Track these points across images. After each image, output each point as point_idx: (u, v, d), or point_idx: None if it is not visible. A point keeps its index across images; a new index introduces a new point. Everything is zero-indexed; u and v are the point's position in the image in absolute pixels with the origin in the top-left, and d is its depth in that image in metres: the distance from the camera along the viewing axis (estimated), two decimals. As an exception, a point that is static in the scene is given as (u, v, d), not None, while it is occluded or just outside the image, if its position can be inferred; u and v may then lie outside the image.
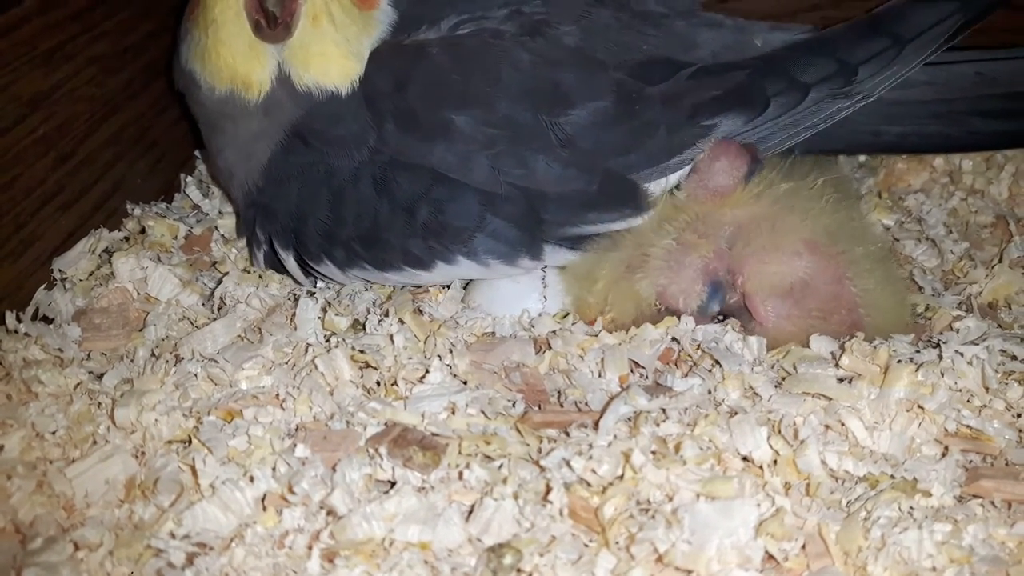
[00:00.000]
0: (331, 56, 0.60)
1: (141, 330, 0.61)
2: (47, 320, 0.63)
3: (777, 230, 0.57)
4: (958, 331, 0.59)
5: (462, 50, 0.60)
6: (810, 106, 0.60)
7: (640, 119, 0.59)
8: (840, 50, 0.61)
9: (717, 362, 0.55)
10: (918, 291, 0.66)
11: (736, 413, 0.50)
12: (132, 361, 0.58)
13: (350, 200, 0.61)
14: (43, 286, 0.65)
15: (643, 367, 0.56)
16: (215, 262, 0.70)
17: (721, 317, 0.60)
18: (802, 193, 0.59)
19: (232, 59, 0.60)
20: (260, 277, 0.67)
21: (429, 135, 0.59)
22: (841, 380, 0.52)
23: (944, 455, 0.49)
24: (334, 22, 0.60)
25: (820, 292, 0.57)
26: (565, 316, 0.62)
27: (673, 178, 0.60)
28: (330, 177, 0.61)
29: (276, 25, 0.58)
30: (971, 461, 0.49)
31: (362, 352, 0.56)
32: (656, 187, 0.60)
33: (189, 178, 0.80)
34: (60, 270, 0.66)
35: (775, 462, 0.48)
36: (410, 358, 0.56)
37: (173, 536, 0.46)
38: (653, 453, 0.47)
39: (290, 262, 0.64)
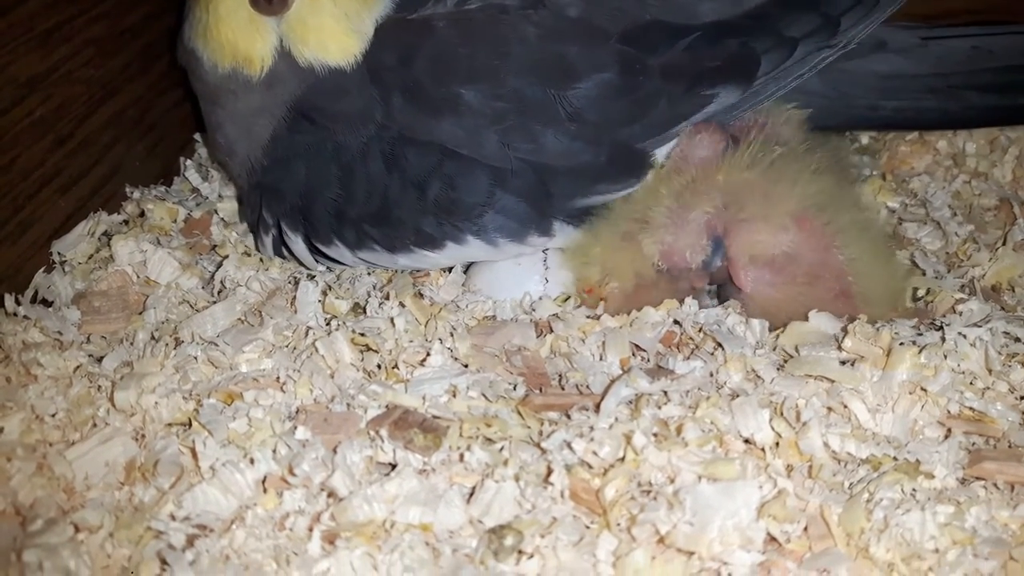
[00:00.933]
0: (330, 30, 0.59)
1: (141, 313, 0.61)
2: (46, 303, 0.63)
3: (767, 199, 0.58)
4: (961, 313, 0.59)
5: (469, 25, 0.60)
6: (798, 59, 0.61)
7: (643, 90, 0.59)
8: (823, 3, 0.62)
9: (719, 344, 0.55)
10: (921, 274, 0.65)
11: (738, 395, 0.50)
12: (132, 344, 0.58)
13: (360, 177, 0.60)
14: (42, 269, 0.65)
15: (644, 350, 0.56)
16: (215, 245, 0.69)
17: (712, 288, 0.60)
18: (793, 161, 0.60)
19: (232, 35, 0.59)
20: (260, 260, 0.67)
21: (437, 110, 0.59)
22: (844, 362, 0.52)
23: (947, 437, 0.49)
24: None
25: (807, 260, 0.58)
26: (566, 300, 0.62)
27: (671, 145, 0.61)
28: (338, 154, 0.60)
29: None
30: (974, 443, 0.49)
31: (363, 335, 0.56)
32: (657, 154, 0.60)
33: (188, 161, 0.80)
34: (59, 253, 0.66)
35: (777, 444, 0.48)
36: (411, 341, 0.56)
37: (173, 518, 0.46)
38: (655, 435, 0.47)
39: (298, 245, 0.64)
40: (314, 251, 0.64)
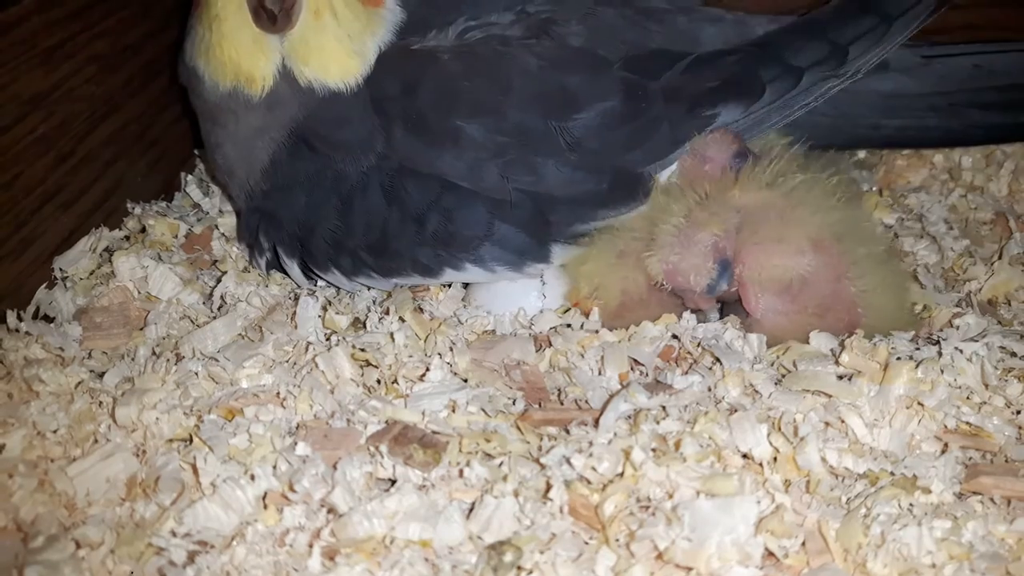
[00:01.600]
0: (331, 51, 0.59)
1: (142, 329, 0.62)
2: (48, 319, 0.63)
3: (784, 222, 0.57)
4: (958, 328, 0.59)
5: (473, 58, 0.60)
6: (804, 89, 0.61)
7: (645, 117, 0.59)
8: (831, 31, 0.61)
9: (717, 359, 0.55)
10: (919, 288, 0.66)
11: (736, 410, 0.50)
12: (133, 360, 0.58)
13: (359, 209, 0.60)
14: (44, 285, 0.65)
15: (643, 365, 0.56)
16: (216, 261, 0.70)
17: (719, 306, 0.60)
18: (815, 188, 0.59)
19: (235, 53, 0.60)
20: (260, 276, 0.67)
21: (439, 142, 0.59)
22: (841, 377, 0.52)
23: (944, 452, 0.49)
24: (336, 16, 0.59)
25: (819, 289, 0.57)
26: (567, 311, 0.62)
27: (673, 167, 0.61)
28: (338, 184, 0.61)
29: (275, 15, 0.57)
30: (971, 458, 0.49)
31: (363, 350, 0.56)
32: (658, 175, 0.60)
33: (189, 177, 0.80)
34: (61, 269, 0.66)
35: (775, 459, 0.48)
36: (410, 356, 0.57)
37: (174, 534, 0.46)
38: (653, 450, 0.48)
39: (294, 270, 0.64)
40: (309, 274, 0.64)
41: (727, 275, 0.57)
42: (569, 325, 0.60)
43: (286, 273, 0.65)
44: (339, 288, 0.66)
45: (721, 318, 0.60)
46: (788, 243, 0.57)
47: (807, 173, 0.60)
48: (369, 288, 0.65)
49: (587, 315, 0.60)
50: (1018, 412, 0.51)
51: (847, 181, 0.63)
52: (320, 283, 0.65)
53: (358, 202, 0.60)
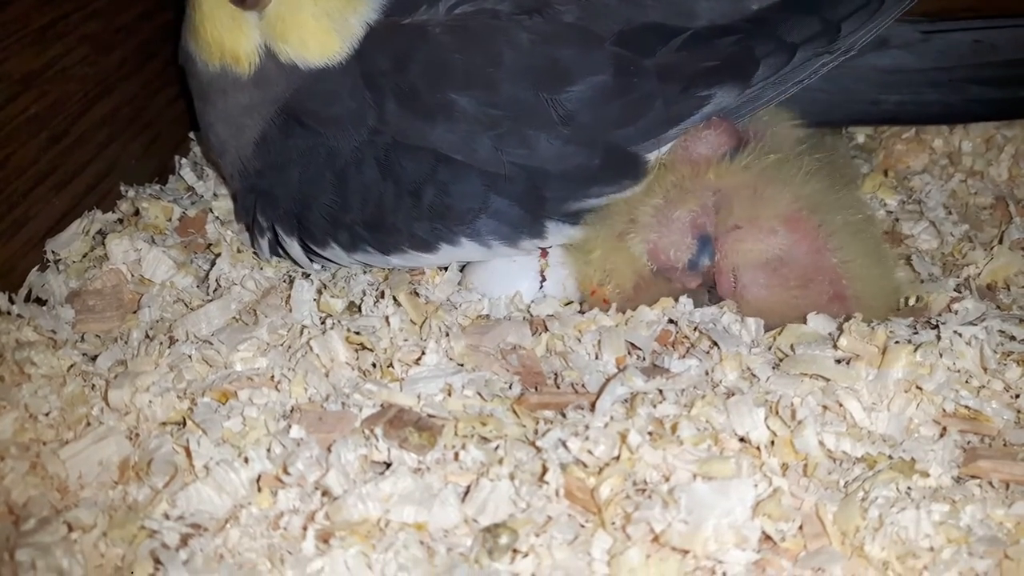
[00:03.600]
0: (309, 28, 0.59)
1: (135, 312, 0.61)
2: (40, 302, 0.63)
3: (758, 202, 0.57)
4: (957, 312, 0.59)
5: (464, 31, 0.60)
6: (797, 65, 0.61)
7: (638, 92, 0.59)
8: (824, 7, 0.61)
9: (715, 343, 0.55)
10: (916, 274, 0.65)
11: (733, 394, 0.50)
12: (126, 343, 0.58)
13: (354, 183, 0.60)
14: (36, 267, 0.65)
15: (640, 348, 0.56)
16: (210, 244, 0.69)
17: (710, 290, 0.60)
18: (784, 163, 0.59)
19: (217, 32, 0.60)
20: (255, 258, 0.66)
21: (431, 115, 0.59)
22: (839, 361, 0.52)
23: (942, 435, 0.49)
24: None
25: (799, 263, 0.57)
26: (568, 304, 0.62)
27: (668, 147, 0.60)
28: (332, 160, 0.60)
29: None
30: (969, 441, 0.49)
31: (358, 334, 0.56)
32: (653, 156, 0.60)
33: (184, 160, 0.80)
34: (53, 251, 0.66)
35: (772, 443, 0.48)
36: (406, 340, 0.56)
37: (167, 517, 0.46)
38: (650, 434, 0.47)
39: (294, 248, 0.64)
40: (309, 252, 0.64)
41: (708, 250, 0.58)
42: (570, 303, 0.60)
43: (287, 254, 0.65)
44: (337, 269, 0.65)
45: (714, 302, 0.60)
46: (759, 223, 0.57)
47: (777, 152, 0.60)
48: (367, 270, 0.65)
49: (606, 303, 0.60)
50: (1017, 396, 0.51)
51: (825, 156, 0.63)
52: (320, 265, 0.65)
53: (352, 177, 0.60)
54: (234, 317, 0.60)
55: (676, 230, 0.58)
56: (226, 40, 0.60)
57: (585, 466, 0.46)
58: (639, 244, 0.58)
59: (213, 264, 0.65)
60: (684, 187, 0.58)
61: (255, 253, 0.67)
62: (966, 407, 0.50)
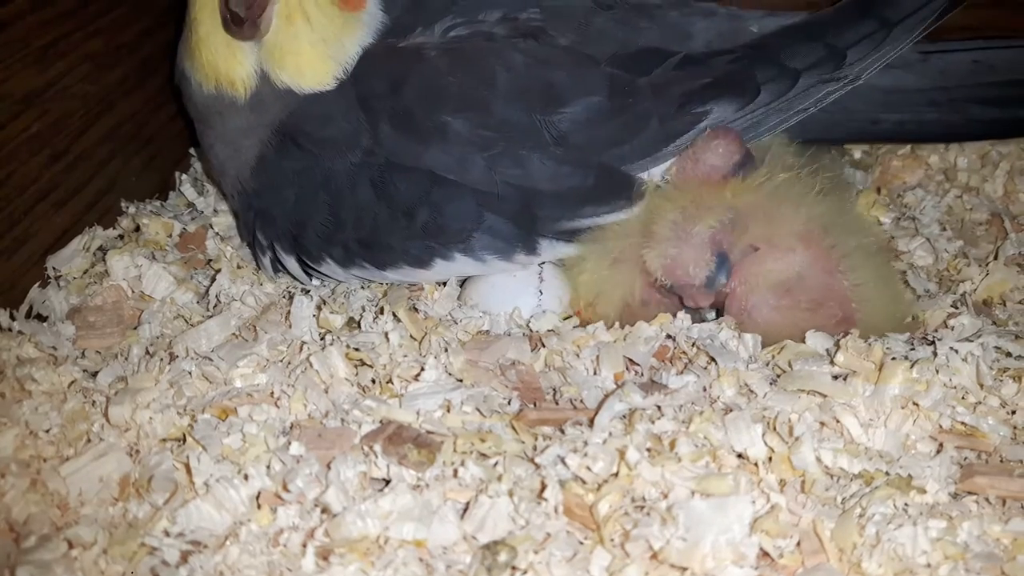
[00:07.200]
0: (305, 56, 0.60)
1: (135, 328, 0.61)
2: (41, 318, 0.63)
3: (771, 221, 0.57)
4: (953, 328, 0.59)
5: (458, 53, 0.60)
6: (800, 91, 0.61)
7: (633, 111, 0.59)
8: (829, 34, 0.61)
9: (712, 359, 0.55)
10: (911, 290, 0.65)
11: (731, 410, 0.50)
12: (126, 359, 0.58)
13: (348, 204, 0.61)
14: (37, 284, 0.65)
15: (638, 364, 0.56)
16: (210, 260, 0.69)
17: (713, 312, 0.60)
18: (796, 183, 0.59)
19: (213, 57, 0.60)
20: (255, 274, 0.67)
21: (425, 137, 0.59)
22: (836, 377, 0.52)
23: (939, 452, 0.49)
24: (309, 22, 0.59)
25: (812, 284, 0.57)
26: (567, 318, 0.62)
27: (665, 165, 0.60)
28: (327, 181, 0.61)
29: (242, 24, 0.58)
30: (966, 458, 0.49)
31: (357, 350, 0.56)
32: (648, 176, 0.60)
33: (184, 176, 0.80)
34: (54, 268, 0.66)
35: (770, 459, 0.48)
36: (405, 356, 0.56)
37: (167, 534, 0.46)
38: (648, 450, 0.47)
39: (291, 263, 0.64)
40: (305, 267, 0.64)
41: (725, 268, 0.57)
42: (568, 317, 0.60)
43: (286, 270, 0.65)
44: (336, 285, 0.66)
45: (716, 316, 0.60)
46: (778, 242, 0.57)
47: (788, 172, 0.60)
48: (366, 285, 0.65)
49: (587, 324, 0.60)
50: (1013, 412, 0.51)
51: (832, 175, 0.63)
52: (319, 280, 0.65)
53: (347, 197, 0.61)
54: (234, 333, 0.60)
55: (696, 245, 0.57)
56: (222, 65, 0.60)
57: (584, 483, 0.47)
58: (655, 259, 0.58)
59: (213, 280, 0.65)
60: (701, 203, 0.58)
61: (258, 269, 0.67)
62: (963, 423, 0.50)
